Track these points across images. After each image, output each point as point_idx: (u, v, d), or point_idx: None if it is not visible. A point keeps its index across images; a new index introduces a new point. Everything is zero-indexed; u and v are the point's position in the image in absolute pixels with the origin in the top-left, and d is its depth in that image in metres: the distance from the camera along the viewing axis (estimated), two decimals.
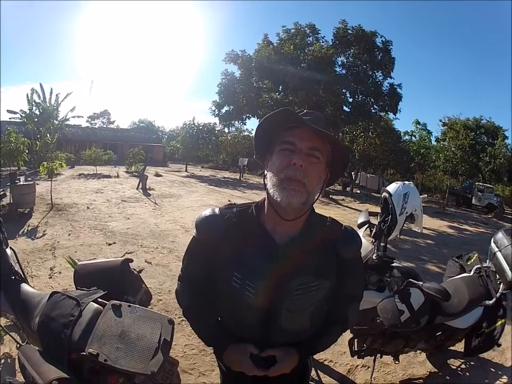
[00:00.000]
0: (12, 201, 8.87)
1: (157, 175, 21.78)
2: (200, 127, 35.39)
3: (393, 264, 2.86)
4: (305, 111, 1.32)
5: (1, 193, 7.83)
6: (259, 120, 1.33)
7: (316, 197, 1.30)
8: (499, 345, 3.14)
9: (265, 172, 1.31)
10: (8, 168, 14.31)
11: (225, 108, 22.31)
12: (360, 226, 3.20)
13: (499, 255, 3.00)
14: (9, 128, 16.73)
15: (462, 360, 3.70)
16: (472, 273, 3.26)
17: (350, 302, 1.47)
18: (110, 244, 7.06)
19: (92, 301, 1.68)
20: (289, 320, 1.32)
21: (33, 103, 23.42)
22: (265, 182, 1.28)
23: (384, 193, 3.09)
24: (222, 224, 1.34)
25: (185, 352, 3.55)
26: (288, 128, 1.24)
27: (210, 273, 1.41)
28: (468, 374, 3.61)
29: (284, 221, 1.26)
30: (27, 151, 16.19)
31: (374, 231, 3.07)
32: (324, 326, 1.44)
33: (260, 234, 1.33)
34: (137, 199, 12.75)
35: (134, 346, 1.41)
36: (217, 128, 35.93)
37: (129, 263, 2.25)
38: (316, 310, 1.35)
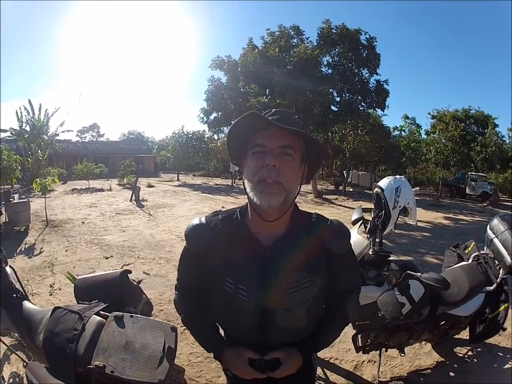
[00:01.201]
0: (7, 220, 8.90)
1: (149, 185, 21.80)
2: (190, 135, 35.30)
3: (390, 258, 2.87)
4: (273, 110, 1.34)
5: None
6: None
7: (296, 194, 1.31)
8: (504, 330, 3.19)
9: (243, 176, 1.33)
10: (2, 187, 14.25)
11: (214, 115, 22.22)
12: (354, 223, 3.21)
13: (496, 241, 3.04)
14: (1, 146, 16.71)
15: (468, 348, 3.73)
16: (470, 261, 3.30)
17: (347, 295, 1.47)
18: (107, 258, 7.05)
19: (94, 314, 1.68)
20: (286, 319, 1.33)
21: (23, 120, 23.46)
22: (244, 186, 1.31)
23: (376, 189, 3.11)
24: (209, 232, 1.37)
25: (190, 360, 3.56)
26: (258, 130, 1.27)
27: (204, 281, 1.43)
28: (475, 360, 3.63)
29: (267, 222, 1.28)
30: (20, 168, 16.16)
31: (368, 226, 3.08)
32: (323, 323, 1.45)
33: (246, 238, 1.35)
34: (131, 211, 12.72)
35: (139, 356, 1.42)
36: (206, 136, 35.89)
37: (128, 274, 2.26)
38: (311, 307, 1.36)
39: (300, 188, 1.33)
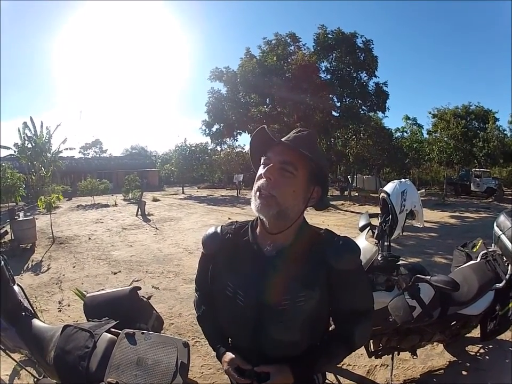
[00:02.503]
0: (13, 238, 8.94)
1: (155, 199, 21.81)
2: (193, 148, 35.57)
3: (399, 263, 2.86)
4: (299, 129, 1.38)
5: (3, 231, 7.84)
6: (250, 136, 1.39)
7: (298, 213, 1.32)
8: None
9: None
10: (6, 205, 14.31)
11: (216, 126, 22.40)
12: (362, 229, 3.21)
13: (503, 237, 3.06)
14: (4, 164, 16.81)
15: (480, 345, 3.72)
16: (478, 259, 3.31)
17: (355, 319, 1.40)
18: (115, 273, 7.03)
19: (105, 331, 1.70)
20: (278, 330, 1.32)
21: (25, 137, 23.60)
22: None
23: (382, 194, 3.10)
24: (220, 240, 1.45)
25: (202, 372, 3.54)
26: (271, 145, 1.30)
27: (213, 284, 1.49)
28: (487, 357, 3.62)
29: (272, 234, 1.32)
30: (24, 186, 16.22)
31: (376, 232, 3.07)
32: (324, 344, 1.42)
33: (251, 248, 1.38)
34: (138, 226, 12.73)
35: (152, 372, 1.42)
36: (209, 147, 36.09)
37: (138, 291, 2.27)
38: (307, 322, 1.32)
39: (304, 208, 1.34)
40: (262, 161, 1.32)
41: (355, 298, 1.40)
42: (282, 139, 1.31)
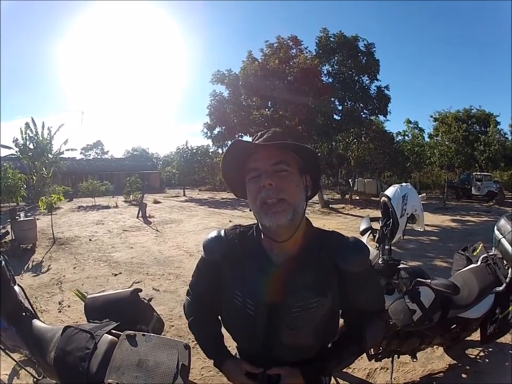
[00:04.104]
0: (14, 238, 8.93)
1: (156, 202, 21.91)
2: (194, 151, 35.61)
3: (399, 266, 2.86)
4: (259, 133, 1.32)
5: (4, 231, 7.86)
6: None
7: (304, 208, 1.29)
8: None
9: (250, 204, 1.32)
10: (7, 205, 14.32)
11: (217, 129, 22.26)
12: (362, 233, 3.21)
13: (504, 241, 3.05)
14: (5, 164, 16.81)
15: (480, 349, 3.73)
16: (479, 263, 3.30)
17: (367, 319, 1.41)
18: (116, 275, 7.04)
19: (106, 333, 1.69)
20: (291, 337, 1.31)
21: (27, 138, 23.64)
22: (253, 213, 1.30)
23: (383, 198, 3.10)
24: (225, 245, 1.39)
25: (202, 374, 3.55)
26: (249, 157, 1.27)
27: (215, 290, 1.45)
28: (487, 360, 3.62)
29: (279, 242, 1.27)
30: (25, 186, 16.22)
31: (377, 236, 3.07)
32: (335, 346, 1.42)
33: (259, 254, 1.35)
34: (139, 228, 12.77)
35: (153, 374, 1.41)
36: (211, 150, 36.09)
37: (139, 293, 2.27)
38: (319, 326, 1.32)
39: (307, 200, 1.32)
40: (249, 176, 1.27)
41: (367, 299, 1.41)
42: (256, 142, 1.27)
